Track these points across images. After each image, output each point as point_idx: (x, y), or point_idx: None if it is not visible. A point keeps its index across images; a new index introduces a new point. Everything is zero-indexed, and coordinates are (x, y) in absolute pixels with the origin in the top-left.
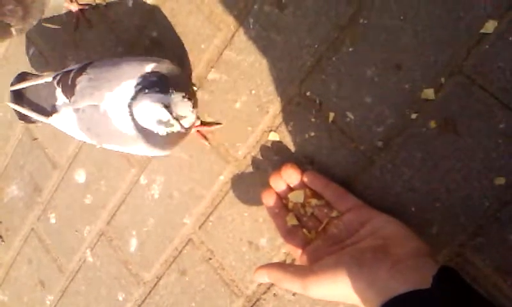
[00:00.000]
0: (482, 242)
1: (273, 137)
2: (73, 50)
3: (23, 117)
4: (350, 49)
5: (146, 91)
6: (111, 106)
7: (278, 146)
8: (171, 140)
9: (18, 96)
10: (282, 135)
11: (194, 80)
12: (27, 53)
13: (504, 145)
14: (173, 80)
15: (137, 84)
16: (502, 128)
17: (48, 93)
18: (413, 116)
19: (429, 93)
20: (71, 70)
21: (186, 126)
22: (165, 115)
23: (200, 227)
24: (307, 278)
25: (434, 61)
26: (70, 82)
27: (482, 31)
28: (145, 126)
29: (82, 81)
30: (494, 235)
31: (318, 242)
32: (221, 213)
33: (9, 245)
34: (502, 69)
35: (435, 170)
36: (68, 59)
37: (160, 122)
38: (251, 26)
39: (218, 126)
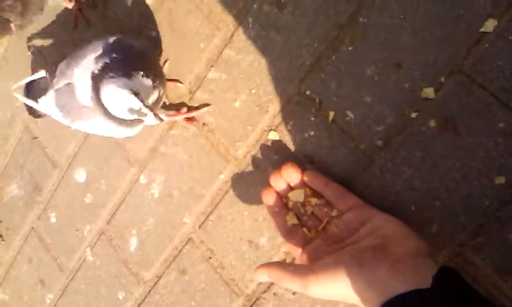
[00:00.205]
0: (482, 242)
1: (273, 136)
2: (72, 49)
3: (31, 111)
4: (350, 48)
5: (111, 74)
6: (77, 81)
7: (277, 145)
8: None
9: (27, 91)
10: (282, 135)
11: (193, 80)
12: (27, 53)
13: (504, 144)
14: (137, 51)
15: (100, 55)
16: (502, 127)
17: (46, 85)
18: (413, 115)
19: (428, 92)
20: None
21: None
22: (136, 103)
23: (199, 226)
24: (307, 277)
25: (434, 60)
26: (54, 67)
27: (482, 29)
28: (116, 115)
29: (62, 63)
30: (494, 235)
31: (318, 241)
32: (221, 212)
33: (10, 244)
34: (502, 68)
35: (435, 169)
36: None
37: (131, 110)
38: (250, 25)
39: (207, 108)
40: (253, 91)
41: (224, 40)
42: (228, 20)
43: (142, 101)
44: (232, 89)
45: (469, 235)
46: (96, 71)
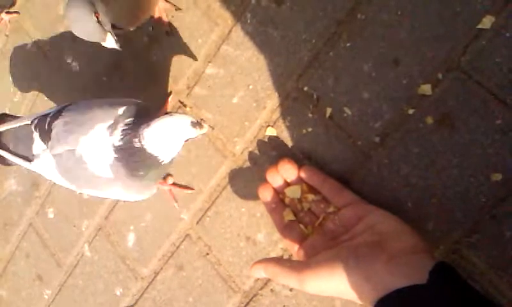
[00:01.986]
0: (478, 239)
1: (270, 132)
2: (70, 43)
3: (1, 160)
4: (347, 44)
5: (140, 127)
6: (86, 150)
7: (275, 141)
8: (146, 184)
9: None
10: (279, 131)
11: (191, 75)
12: (25, 48)
13: (501, 141)
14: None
15: (112, 125)
16: (499, 124)
17: (26, 136)
18: (410, 111)
19: (426, 88)
20: (48, 114)
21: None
22: (193, 133)
23: (197, 222)
24: (304, 273)
25: (431, 56)
26: (46, 127)
27: (479, 26)
28: (168, 147)
29: (57, 126)
30: (490, 232)
31: (315, 237)
32: (219, 208)
33: (8, 239)
34: (499, 65)
35: (432, 166)
36: (65, 53)
37: (193, 124)
38: (248, 21)
39: (189, 191)
40: (251, 86)
41: (222, 36)
42: (226, 16)
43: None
44: (230, 85)
45: (465, 231)
46: (118, 143)
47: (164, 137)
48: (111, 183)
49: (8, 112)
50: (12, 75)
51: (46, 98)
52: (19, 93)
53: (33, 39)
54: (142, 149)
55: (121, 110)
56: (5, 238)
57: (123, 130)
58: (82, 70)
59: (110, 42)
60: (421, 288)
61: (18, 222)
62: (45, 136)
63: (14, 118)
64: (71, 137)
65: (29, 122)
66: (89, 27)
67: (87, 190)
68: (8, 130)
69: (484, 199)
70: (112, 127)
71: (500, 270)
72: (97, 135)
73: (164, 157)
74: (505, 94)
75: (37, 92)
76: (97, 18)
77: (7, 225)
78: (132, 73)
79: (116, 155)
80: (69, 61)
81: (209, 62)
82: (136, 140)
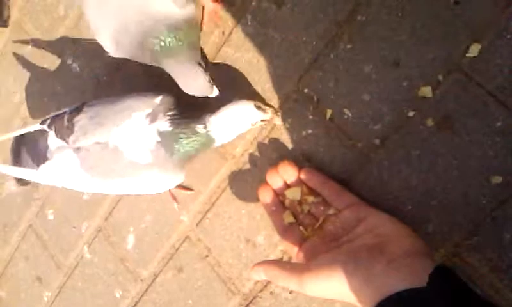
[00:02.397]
0: (478, 241)
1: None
2: (71, 45)
3: (22, 181)
4: (348, 46)
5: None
6: (122, 139)
7: (275, 143)
8: (180, 163)
9: (18, 156)
10: (279, 132)
11: None
12: (25, 49)
13: (501, 143)
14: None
15: (151, 113)
16: (500, 126)
17: (32, 141)
18: (411, 113)
19: (426, 90)
20: (63, 113)
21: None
22: (258, 116)
23: (197, 224)
24: (303, 275)
25: (432, 58)
26: (66, 123)
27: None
28: (233, 132)
29: (81, 120)
30: (490, 234)
31: (314, 239)
32: (218, 210)
33: (7, 241)
34: (500, 67)
35: (432, 168)
36: (66, 54)
37: (257, 107)
38: (249, 23)
39: (189, 192)
40: (251, 88)
41: (222, 38)
42: (227, 17)
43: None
44: (230, 87)
45: (465, 234)
46: (167, 128)
47: (231, 123)
48: (149, 167)
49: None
50: (12, 76)
51: (46, 100)
52: (19, 94)
53: (33, 41)
54: (202, 134)
55: (158, 99)
56: (4, 240)
57: (172, 115)
58: (82, 71)
59: (215, 92)
60: (421, 291)
61: (17, 223)
62: (65, 132)
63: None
64: (100, 129)
65: (38, 127)
66: (205, 87)
67: (119, 181)
68: (27, 143)
69: (484, 201)
70: (152, 115)
71: (501, 273)
72: (135, 124)
73: (221, 141)
74: (505, 96)
75: (37, 93)
76: (209, 78)
77: (6, 226)
78: (132, 74)
79: (159, 139)
80: (69, 62)
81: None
82: (201, 126)
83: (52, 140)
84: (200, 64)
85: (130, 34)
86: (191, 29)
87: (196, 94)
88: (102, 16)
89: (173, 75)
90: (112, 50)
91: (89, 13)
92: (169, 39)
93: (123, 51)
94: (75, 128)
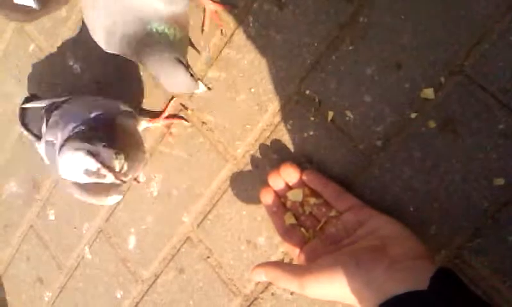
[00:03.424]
0: (480, 244)
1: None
2: (72, 46)
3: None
4: (350, 48)
5: (72, 138)
6: (58, 146)
7: (276, 145)
8: (98, 189)
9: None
10: (281, 134)
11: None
12: (27, 50)
13: (504, 146)
14: (116, 126)
15: (74, 127)
16: (502, 128)
17: (40, 117)
18: (413, 115)
19: (428, 92)
20: (56, 102)
21: (124, 179)
22: (92, 164)
23: (198, 225)
24: (304, 277)
25: (434, 60)
26: (46, 115)
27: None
28: (72, 179)
29: (53, 117)
30: (493, 236)
31: (316, 241)
32: (220, 211)
33: (8, 242)
34: (503, 69)
35: (434, 170)
36: (67, 55)
37: (88, 172)
38: (250, 24)
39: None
40: (253, 90)
41: (224, 39)
42: (229, 19)
43: (101, 162)
44: (232, 88)
45: (468, 236)
46: (64, 141)
47: (67, 166)
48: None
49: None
50: (14, 77)
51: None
52: (21, 95)
53: (35, 42)
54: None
55: (94, 113)
56: (5, 240)
57: (76, 132)
58: (84, 72)
59: (201, 87)
60: (422, 293)
61: (18, 224)
62: (46, 123)
63: (40, 99)
64: (54, 130)
65: (45, 105)
66: (186, 83)
67: (61, 185)
68: (30, 109)
69: (486, 203)
70: (76, 128)
71: (503, 275)
72: (65, 134)
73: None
74: (508, 98)
75: (39, 94)
76: (191, 73)
77: (7, 227)
78: (134, 76)
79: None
80: (71, 63)
81: (211, 65)
82: (58, 151)
83: (44, 125)
84: (179, 60)
85: (118, 31)
86: (176, 26)
87: (181, 91)
88: (95, 15)
89: (154, 73)
90: (105, 46)
91: (85, 13)
92: (154, 34)
93: (114, 48)
94: (49, 123)
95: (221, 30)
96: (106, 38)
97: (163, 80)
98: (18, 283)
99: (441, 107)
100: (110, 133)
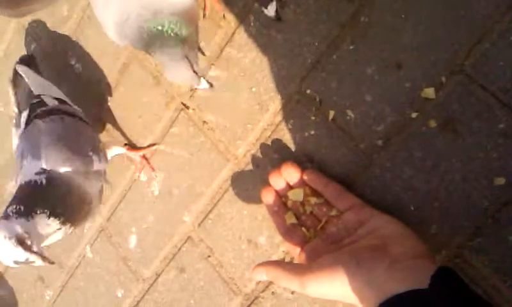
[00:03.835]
0: (481, 243)
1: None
2: (74, 45)
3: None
4: (351, 47)
5: (9, 209)
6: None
7: (277, 144)
8: None
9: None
10: (282, 133)
11: None
12: (28, 49)
13: (504, 145)
14: (75, 192)
15: (24, 178)
16: (502, 128)
17: (28, 96)
18: (413, 115)
19: (429, 92)
20: (45, 105)
21: (44, 255)
22: (21, 255)
23: (199, 224)
24: (305, 276)
25: (434, 60)
26: (26, 120)
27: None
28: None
29: (25, 139)
30: (493, 236)
31: (317, 240)
32: (220, 210)
33: None
34: (503, 68)
35: (435, 169)
36: (69, 55)
37: (18, 262)
38: (251, 24)
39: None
40: (254, 89)
41: (225, 38)
42: (230, 18)
43: (29, 249)
44: (233, 87)
45: (468, 236)
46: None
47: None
48: None
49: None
50: None
51: None
52: None
53: (37, 41)
54: None
55: (41, 166)
56: None
57: (22, 186)
58: (85, 71)
59: (203, 84)
60: (422, 292)
61: None
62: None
63: (36, 68)
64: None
65: (37, 92)
66: (188, 77)
67: None
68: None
69: (487, 203)
70: (24, 179)
71: (503, 275)
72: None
73: None
74: (508, 98)
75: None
76: (193, 70)
77: None
78: (136, 74)
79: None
80: (72, 62)
81: (212, 64)
82: None
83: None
84: (185, 56)
85: (131, 25)
86: (187, 20)
87: (183, 84)
88: (107, 10)
89: (162, 63)
90: (117, 39)
91: (96, 10)
92: (165, 28)
93: (126, 40)
94: (23, 131)
95: (223, 14)
96: (119, 31)
97: (167, 71)
98: (19, 281)
99: (441, 106)
100: (61, 199)
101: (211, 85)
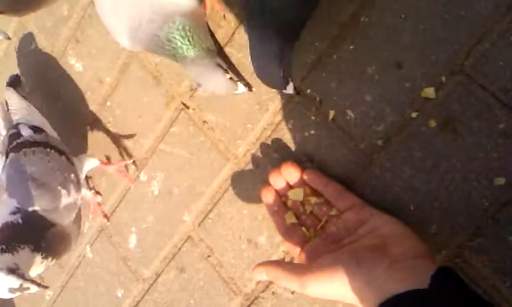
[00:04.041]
0: (481, 243)
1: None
2: (74, 45)
3: None
4: (351, 47)
5: None
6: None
7: (277, 144)
8: None
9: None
10: (282, 133)
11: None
12: (28, 49)
13: (504, 145)
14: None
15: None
16: (502, 128)
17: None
18: (413, 114)
19: (429, 91)
20: (20, 137)
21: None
22: (14, 282)
23: (199, 224)
24: (305, 276)
25: (434, 59)
26: (6, 150)
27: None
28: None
29: (5, 166)
30: (493, 236)
31: (317, 240)
32: (221, 210)
33: None
34: (503, 68)
35: (435, 169)
36: (69, 54)
37: (12, 290)
38: None
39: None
40: (254, 89)
41: (225, 38)
42: (230, 18)
43: (23, 276)
44: None
45: (468, 236)
46: None
47: None
48: None
49: None
50: None
51: (49, 100)
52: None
53: (37, 41)
54: None
55: (16, 205)
56: None
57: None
58: (85, 70)
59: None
60: (422, 292)
61: None
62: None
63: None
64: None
65: (15, 121)
66: (226, 85)
67: None
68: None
69: (487, 203)
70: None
71: (503, 275)
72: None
73: None
74: (508, 98)
75: (41, 93)
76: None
77: None
78: (135, 73)
79: None
80: (72, 62)
81: None
82: None
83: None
84: (218, 64)
85: (143, 30)
86: (195, 20)
87: (222, 93)
88: (117, 17)
89: (193, 75)
90: (129, 45)
91: (105, 17)
92: (181, 38)
93: (139, 46)
94: (5, 162)
95: (223, 14)
96: (131, 36)
97: (203, 82)
98: None
99: (441, 106)
100: (40, 234)
101: (250, 88)
